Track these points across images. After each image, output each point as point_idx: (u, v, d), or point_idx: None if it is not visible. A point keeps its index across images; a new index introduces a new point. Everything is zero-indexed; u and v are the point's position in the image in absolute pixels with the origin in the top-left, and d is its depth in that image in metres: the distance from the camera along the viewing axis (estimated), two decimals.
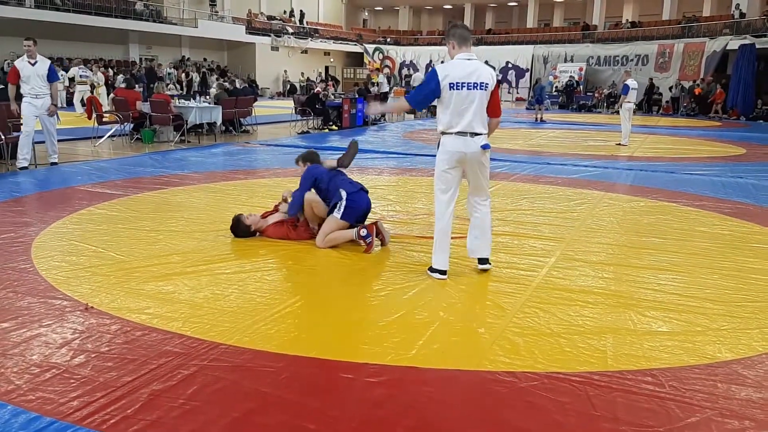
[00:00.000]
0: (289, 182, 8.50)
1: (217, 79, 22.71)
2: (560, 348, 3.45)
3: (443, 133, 4.48)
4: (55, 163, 9.32)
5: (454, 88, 4.35)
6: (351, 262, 4.98)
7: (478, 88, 4.37)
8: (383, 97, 20.52)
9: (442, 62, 4.79)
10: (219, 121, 14.04)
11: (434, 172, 4.65)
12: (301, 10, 40.81)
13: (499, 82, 4.65)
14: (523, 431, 2.64)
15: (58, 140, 9.70)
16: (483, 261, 4.77)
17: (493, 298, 4.26)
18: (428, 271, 4.68)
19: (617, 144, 14.39)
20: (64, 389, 2.85)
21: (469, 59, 4.44)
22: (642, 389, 3.00)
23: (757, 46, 25.83)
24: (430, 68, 4.78)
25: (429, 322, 3.77)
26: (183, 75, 28.76)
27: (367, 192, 5.57)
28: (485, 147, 4.46)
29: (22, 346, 3.30)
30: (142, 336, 3.46)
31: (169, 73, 27.61)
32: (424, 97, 4.57)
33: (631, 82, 14.38)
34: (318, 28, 41.65)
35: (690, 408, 2.84)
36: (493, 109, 4.55)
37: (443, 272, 4.59)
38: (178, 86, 25.02)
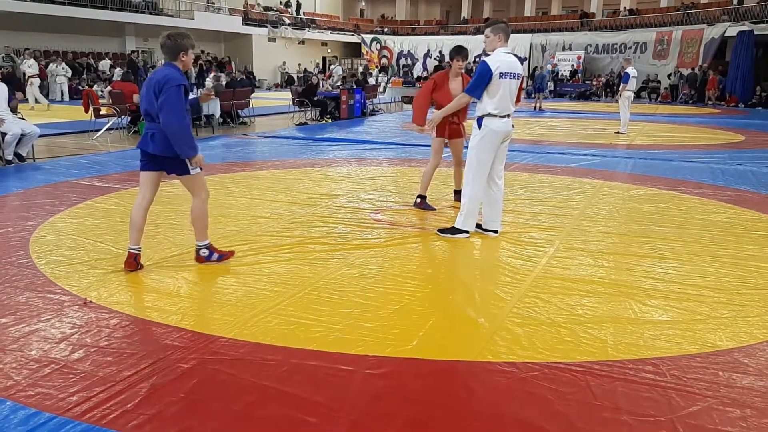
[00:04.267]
0: (287, 174, 8.48)
1: (217, 71, 22.54)
2: (561, 338, 3.45)
3: (491, 115, 5.17)
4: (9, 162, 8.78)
5: (504, 77, 5.10)
6: (350, 254, 4.97)
7: (516, 77, 5.23)
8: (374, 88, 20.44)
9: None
10: (217, 114, 13.99)
11: (475, 152, 5.25)
12: (297, 1, 40.60)
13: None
14: (525, 422, 2.64)
15: (57, 133, 9.55)
16: (494, 231, 5.53)
17: (493, 288, 4.25)
18: (446, 234, 5.47)
19: (616, 132, 14.35)
20: (64, 384, 2.84)
21: (508, 52, 5.22)
22: (643, 378, 3.00)
23: (756, 33, 25.71)
24: (479, 60, 5.16)
25: (429, 313, 3.77)
26: None
27: None
28: (512, 126, 5.40)
29: (21, 341, 3.29)
30: (141, 330, 3.45)
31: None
32: (483, 86, 5.12)
33: (632, 70, 14.33)
34: (315, 18, 41.45)
35: (691, 397, 2.83)
36: (517, 97, 5.40)
37: (468, 232, 5.44)
38: None
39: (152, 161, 4.35)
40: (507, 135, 5.37)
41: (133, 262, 4.41)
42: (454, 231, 5.46)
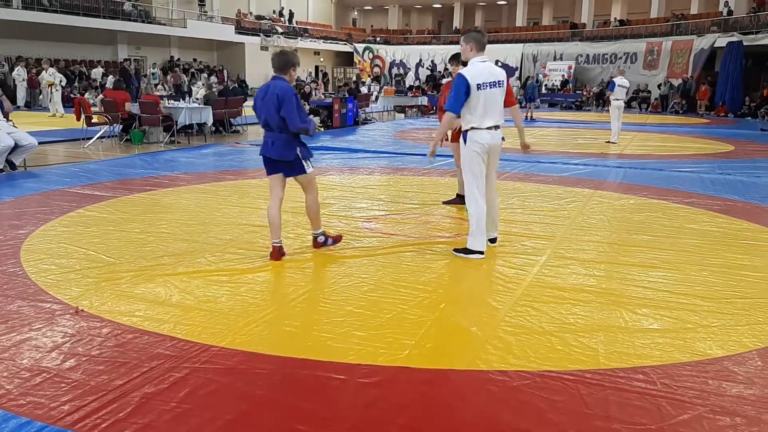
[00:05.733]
0: None
1: (208, 79, 22.57)
2: (552, 346, 3.46)
3: (474, 128, 4.97)
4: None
5: (482, 88, 4.89)
6: (342, 262, 4.98)
7: (498, 86, 4.99)
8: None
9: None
10: (209, 122, 13.99)
11: (468, 168, 5.07)
12: (290, 10, 40.69)
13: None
14: (517, 430, 2.65)
15: (48, 141, 9.50)
16: (492, 240, 5.38)
17: (485, 297, 4.26)
18: (460, 254, 5.18)
19: (607, 142, 14.43)
20: (55, 393, 2.83)
21: (483, 61, 4.99)
22: (634, 387, 3.01)
23: (745, 44, 25.98)
24: (456, 75, 5.04)
25: (421, 321, 3.77)
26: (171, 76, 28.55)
27: None
28: (503, 138, 5.18)
29: (12, 350, 3.28)
30: (133, 339, 3.44)
31: (153, 73, 27.40)
32: (462, 100, 4.92)
33: (619, 80, 14.42)
34: (307, 27, 41.54)
35: (681, 405, 2.85)
36: (509, 96, 5.17)
37: (482, 252, 5.11)
38: (166, 87, 24.85)
39: (274, 165, 4.98)
40: (495, 147, 5.12)
41: (278, 254, 4.99)
42: (466, 251, 5.18)
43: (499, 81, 4.99)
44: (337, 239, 5.40)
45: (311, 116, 5.04)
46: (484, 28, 42.09)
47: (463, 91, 4.88)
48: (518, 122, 5.55)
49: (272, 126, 4.85)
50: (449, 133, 6.78)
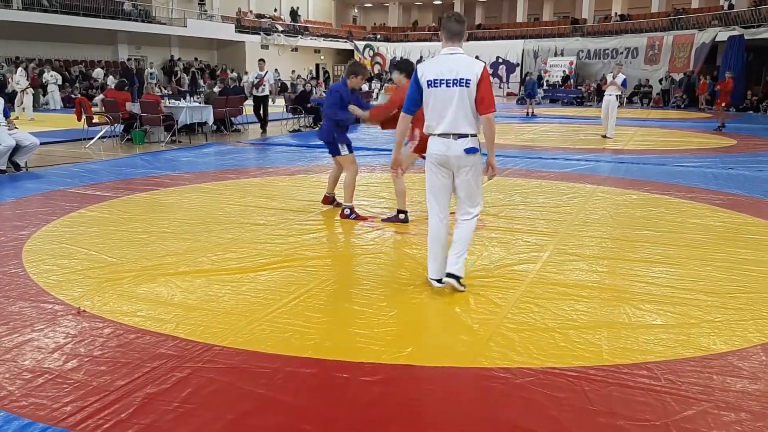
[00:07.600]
0: (280, 181, 8.48)
1: (213, 80, 22.45)
2: (555, 343, 3.45)
3: (429, 135, 4.16)
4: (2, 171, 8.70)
5: (432, 85, 4.00)
6: (344, 261, 4.97)
7: (458, 84, 3.93)
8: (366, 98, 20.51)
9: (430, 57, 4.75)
10: (210, 121, 13.97)
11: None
12: (291, 7, 40.64)
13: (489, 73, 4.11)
14: (520, 428, 2.64)
15: (49, 142, 9.51)
16: (448, 275, 4.17)
17: (488, 294, 4.25)
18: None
19: (603, 136, 14.31)
20: (57, 394, 2.82)
21: (452, 53, 4.03)
22: (638, 383, 3.00)
23: (746, 38, 25.91)
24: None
25: (424, 319, 3.77)
26: (172, 75, 28.49)
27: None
28: (469, 151, 4.00)
29: (14, 351, 3.27)
30: (135, 339, 3.43)
31: (151, 73, 27.34)
32: (412, 99, 4.15)
33: (609, 76, 14.46)
34: (308, 25, 41.50)
35: (686, 401, 2.84)
36: (480, 103, 3.96)
37: (437, 281, 4.22)
38: (162, 89, 24.76)
39: (325, 145, 6.48)
40: (450, 160, 4.05)
41: (329, 201, 6.82)
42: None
43: (460, 79, 3.93)
44: (361, 218, 6.32)
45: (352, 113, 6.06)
46: (485, 23, 42.11)
47: (413, 88, 4.11)
48: (487, 137, 4.10)
49: (325, 114, 6.41)
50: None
